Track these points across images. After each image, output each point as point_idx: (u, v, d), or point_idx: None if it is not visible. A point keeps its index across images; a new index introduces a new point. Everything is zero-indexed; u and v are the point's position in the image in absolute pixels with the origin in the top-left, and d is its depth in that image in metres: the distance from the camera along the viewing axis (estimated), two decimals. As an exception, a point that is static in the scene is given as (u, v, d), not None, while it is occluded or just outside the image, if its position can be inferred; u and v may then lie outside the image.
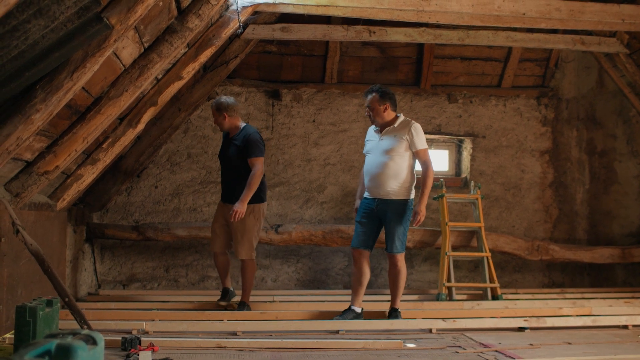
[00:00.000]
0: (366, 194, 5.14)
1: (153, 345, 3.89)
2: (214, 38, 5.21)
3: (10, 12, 2.64)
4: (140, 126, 5.47)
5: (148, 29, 4.20)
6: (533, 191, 7.64)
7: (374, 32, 6.42)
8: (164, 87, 5.32)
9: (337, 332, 4.64)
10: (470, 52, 7.48)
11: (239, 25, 5.29)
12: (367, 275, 5.12)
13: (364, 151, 5.25)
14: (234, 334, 4.49)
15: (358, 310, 5.05)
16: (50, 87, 3.47)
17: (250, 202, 5.23)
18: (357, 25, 6.39)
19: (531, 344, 4.30)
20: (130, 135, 5.45)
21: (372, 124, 5.21)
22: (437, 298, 6.07)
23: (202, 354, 3.90)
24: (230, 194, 5.36)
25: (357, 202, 5.28)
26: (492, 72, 7.65)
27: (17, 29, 2.79)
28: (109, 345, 3.89)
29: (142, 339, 3.99)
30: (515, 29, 6.57)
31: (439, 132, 7.56)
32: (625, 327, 4.97)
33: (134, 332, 4.42)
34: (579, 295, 6.48)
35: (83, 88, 4.04)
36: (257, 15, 5.94)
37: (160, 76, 5.27)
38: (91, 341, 2.12)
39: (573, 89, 7.78)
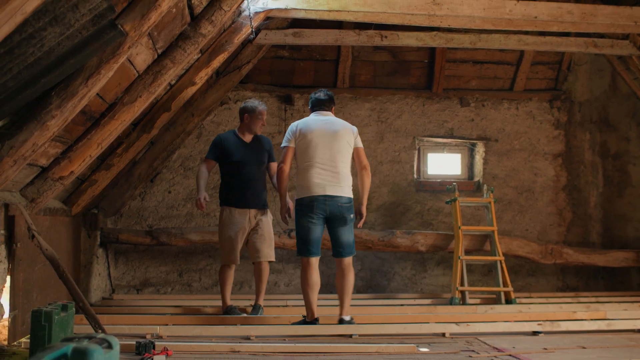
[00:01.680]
0: None
1: (167, 350, 3.91)
2: (227, 44, 5.25)
3: (26, 20, 2.68)
4: (154, 131, 5.52)
5: (162, 35, 4.24)
6: (546, 194, 7.61)
7: (386, 37, 6.43)
8: (177, 93, 5.37)
9: (350, 336, 4.63)
10: (482, 55, 7.48)
11: (252, 30, 5.33)
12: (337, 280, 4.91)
13: None
14: (247, 338, 4.50)
15: (346, 318, 4.83)
16: (66, 93, 3.51)
17: (267, 207, 5.48)
18: (368, 30, 6.41)
19: (545, 348, 4.27)
20: (144, 140, 5.50)
21: None
22: (451, 302, 6.06)
23: (216, 358, 3.92)
24: (255, 199, 5.39)
25: None
26: (504, 75, 7.63)
27: (34, 36, 2.83)
28: (123, 350, 3.91)
29: (156, 343, 4.01)
30: (527, 33, 6.56)
31: (451, 136, 7.55)
32: (641, 331, 4.95)
33: (148, 336, 4.44)
34: (593, 299, 6.44)
35: (97, 94, 4.09)
36: (269, 21, 5.98)
37: (173, 82, 5.32)
38: (107, 345, 2.14)
39: (586, 92, 7.75)
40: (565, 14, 5.54)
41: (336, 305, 5.03)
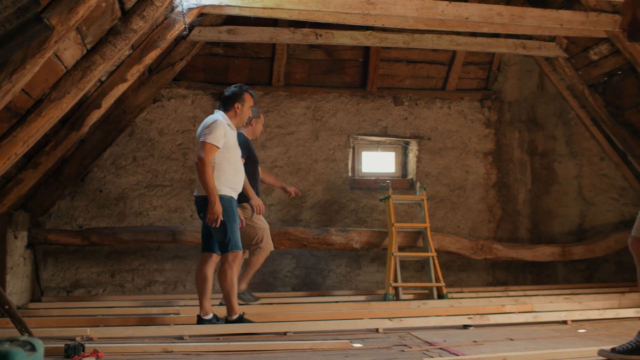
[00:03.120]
0: (234, 194, 4.96)
1: (97, 352, 3.82)
2: (159, 40, 5.17)
3: (-56, 11, 2.58)
4: (84, 129, 5.38)
5: (91, 30, 4.13)
6: (477, 192, 7.79)
7: (321, 35, 6.46)
8: (107, 90, 5.25)
9: (284, 334, 4.64)
10: (416, 55, 7.59)
11: (185, 27, 5.26)
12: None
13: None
14: (180, 338, 4.45)
15: (230, 318, 4.85)
16: (-12, 88, 3.38)
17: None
18: (303, 28, 6.42)
19: (475, 341, 4.38)
20: (74, 138, 5.36)
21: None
22: (384, 298, 6.13)
23: (148, 359, 3.86)
24: None
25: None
26: (437, 75, 7.77)
27: (-48, 29, 2.72)
28: (51, 353, 3.82)
29: (86, 345, 3.92)
30: (459, 33, 6.70)
31: (385, 134, 7.64)
32: (565, 322, 5.12)
33: (78, 338, 4.33)
34: (522, 293, 6.64)
35: (23, 90, 3.95)
36: (203, 17, 5.92)
37: (104, 78, 5.20)
38: (30, 347, 2.08)
39: (515, 92, 7.97)
40: (495, 16, 5.68)
41: (265, 304, 5.05)
